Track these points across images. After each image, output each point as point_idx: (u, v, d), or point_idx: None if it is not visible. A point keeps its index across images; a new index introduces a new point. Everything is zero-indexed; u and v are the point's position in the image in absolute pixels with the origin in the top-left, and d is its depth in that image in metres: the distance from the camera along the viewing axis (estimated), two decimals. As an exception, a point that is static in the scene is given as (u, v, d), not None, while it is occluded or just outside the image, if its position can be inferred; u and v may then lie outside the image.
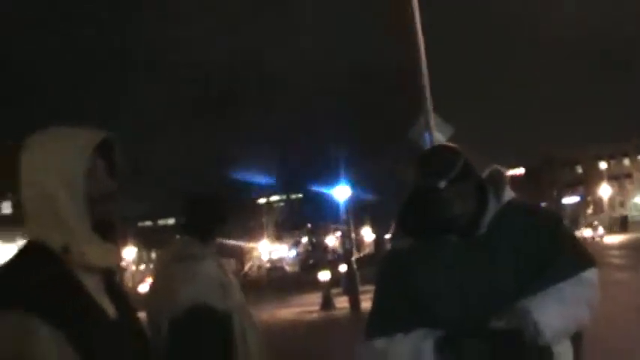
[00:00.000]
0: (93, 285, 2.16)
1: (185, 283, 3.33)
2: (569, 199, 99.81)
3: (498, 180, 2.96)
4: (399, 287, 2.91)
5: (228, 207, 3.71)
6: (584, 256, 2.91)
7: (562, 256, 2.85)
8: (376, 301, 3.05)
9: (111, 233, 2.24)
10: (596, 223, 69.40)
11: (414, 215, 2.93)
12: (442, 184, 2.73)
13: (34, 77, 19.09)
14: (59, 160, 2.14)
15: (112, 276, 2.29)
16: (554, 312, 2.70)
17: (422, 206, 2.85)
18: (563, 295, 2.75)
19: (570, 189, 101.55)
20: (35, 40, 18.03)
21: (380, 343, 2.88)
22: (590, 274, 2.85)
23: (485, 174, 2.97)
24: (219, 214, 3.62)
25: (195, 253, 3.47)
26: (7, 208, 39.50)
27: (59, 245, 2.11)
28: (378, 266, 3.15)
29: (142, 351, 2.26)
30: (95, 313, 2.12)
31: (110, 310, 2.18)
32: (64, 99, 20.07)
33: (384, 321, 2.92)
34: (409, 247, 2.94)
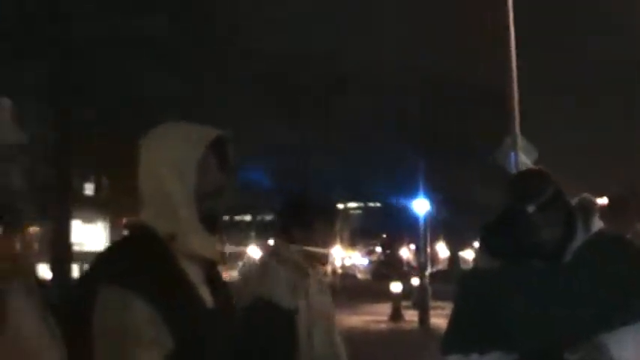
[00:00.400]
0: (194, 273, 2.26)
1: (261, 279, 3.43)
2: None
3: (588, 209, 2.96)
4: (480, 307, 2.91)
5: (317, 211, 3.71)
6: None
7: (637, 296, 2.80)
8: (454, 318, 3.05)
9: (216, 226, 2.34)
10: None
11: (500, 237, 2.93)
12: (531, 209, 2.73)
13: (119, 66, 19.46)
14: (174, 153, 2.25)
15: (214, 267, 2.37)
16: (633, 349, 2.67)
17: (509, 229, 2.85)
18: None
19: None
20: (120, 29, 18.53)
21: (455, 359, 2.89)
22: None
23: (574, 201, 2.96)
24: (300, 218, 3.61)
25: (279, 253, 3.54)
26: (89, 189, 40.36)
27: (166, 232, 2.23)
28: (459, 283, 3.16)
29: (232, 341, 2.35)
30: (193, 300, 2.21)
31: (208, 299, 2.27)
32: (154, 87, 20.34)
33: (461, 338, 2.92)
34: (493, 269, 2.94)
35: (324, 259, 3.68)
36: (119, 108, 20.05)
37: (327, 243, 3.66)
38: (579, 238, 2.86)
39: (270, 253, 3.62)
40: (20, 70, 19.23)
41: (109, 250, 2.36)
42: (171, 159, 2.25)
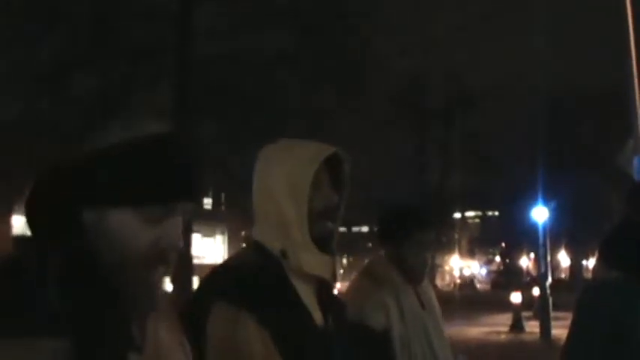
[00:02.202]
0: (305, 292, 2.27)
1: (351, 298, 3.33)
2: None
3: None
4: (600, 322, 2.82)
5: (421, 221, 3.61)
6: None
7: None
8: (574, 332, 2.96)
9: (329, 245, 2.34)
10: None
11: (621, 249, 2.83)
12: None
13: (243, 81, 19.87)
14: (288, 170, 2.27)
15: (327, 287, 2.36)
16: None
17: (630, 241, 2.75)
18: None
19: None
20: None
21: None
22: None
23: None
24: (401, 232, 3.50)
25: (372, 271, 3.50)
26: (208, 204, 41.32)
27: (278, 249, 2.25)
28: (580, 296, 3.06)
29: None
30: (302, 319, 2.22)
31: (318, 318, 2.27)
32: (277, 103, 20.72)
33: (582, 353, 2.83)
34: (614, 282, 2.84)
35: (420, 274, 3.57)
36: (243, 124, 20.44)
37: (425, 255, 3.56)
38: None
39: (364, 271, 3.56)
40: (144, 92, 19.88)
41: (222, 265, 2.39)
42: (285, 177, 2.27)
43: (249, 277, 2.20)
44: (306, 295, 2.27)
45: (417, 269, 3.48)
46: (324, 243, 2.31)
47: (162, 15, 19.87)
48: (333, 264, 2.32)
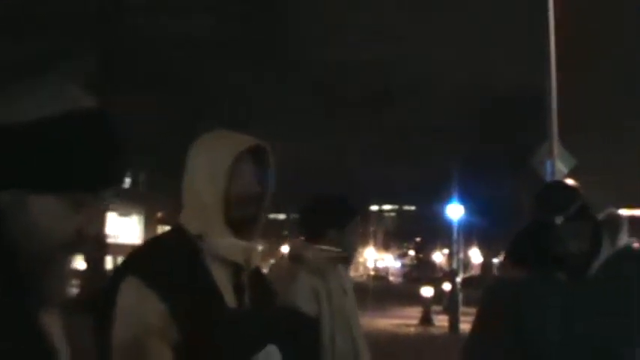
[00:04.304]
0: (220, 276, 2.34)
1: (283, 284, 3.37)
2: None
3: (615, 223, 2.94)
4: (504, 317, 2.93)
5: (346, 213, 3.70)
6: None
7: None
8: (478, 326, 3.07)
9: (247, 232, 2.42)
10: None
11: (527, 248, 2.94)
12: (559, 220, 2.74)
13: (168, 63, 19.67)
14: (209, 159, 2.38)
15: (243, 272, 2.41)
16: None
17: (536, 240, 2.86)
18: None
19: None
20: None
21: None
22: None
23: (602, 216, 2.96)
24: (336, 219, 3.61)
25: (299, 256, 3.53)
26: (126, 183, 40.81)
27: (196, 232, 2.34)
28: (485, 292, 3.17)
29: (253, 345, 2.37)
30: (212, 300, 2.29)
31: (230, 300, 2.33)
32: (198, 86, 20.56)
33: (484, 347, 2.94)
34: (518, 280, 2.95)
35: (347, 261, 3.67)
36: (168, 105, 20.27)
37: (348, 244, 3.65)
38: (605, 253, 2.86)
39: (292, 256, 3.59)
40: (68, 64, 19.48)
41: (141, 245, 2.51)
42: (207, 164, 2.37)
43: (161, 256, 2.29)
44: (221, 278, 2.34)
45: (351, 254, 3.59)
46: (244, 229, 2.40)
47: None
48: (248, 250, 2.39)
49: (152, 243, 2.50)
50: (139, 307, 2.17)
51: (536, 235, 2.86)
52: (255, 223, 2.46)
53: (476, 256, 68.24)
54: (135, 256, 2.38)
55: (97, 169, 1.39)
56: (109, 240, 20.33)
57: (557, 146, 13.77)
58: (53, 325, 1.50)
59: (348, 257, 3.65)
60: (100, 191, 1.42)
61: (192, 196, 2.40)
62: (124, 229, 41.63)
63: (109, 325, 2.18)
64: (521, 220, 3.03)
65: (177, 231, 2.40)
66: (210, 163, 2.37)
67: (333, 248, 3.53)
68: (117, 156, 1.43)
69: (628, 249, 2.91)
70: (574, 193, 2.82)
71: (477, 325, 3.09)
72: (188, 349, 2.19)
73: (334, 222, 3.59)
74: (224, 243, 2.35)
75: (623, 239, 2.92)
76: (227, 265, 2.36)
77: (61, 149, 1.34)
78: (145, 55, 20.15)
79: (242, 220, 2.41)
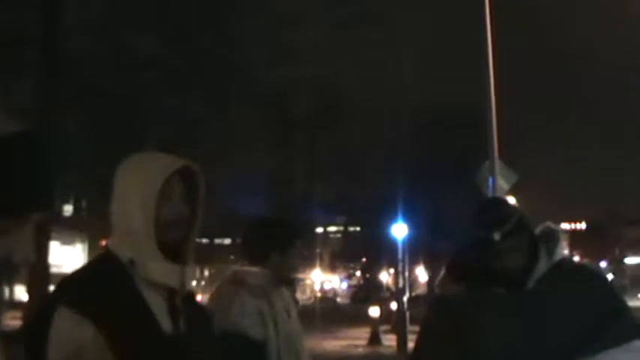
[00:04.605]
0: (154, 300, 2.30)
1: (228, 308, 3.39)
2: (632, 260, 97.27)
3: (551, 237, 3.00)
4: (446, 334, 2.96)
5: (290, 236, 3.71)
6: (634, 323, 2.90)
7: (614, 320, 2.85)
8: (420, 343, 3.11)
9: (179, 255, 2.39)
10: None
11: (466, 264, 2.99)
12: (496, 237, 2.80)
13: (109, 86, 19.54)
14: (138, 181, 2.34)
15: (177, 296, 2.38)
16: None
17: (474, 256, 2.91)
18: None
19: (634, 249, 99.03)
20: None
21: None
22: None
23: (538, 230, 3.02)
24: (279, 242, 3.61)
25: (243, 279, 3.52)
26: (68, 211, 40.19)
27: (127, 258, 2.30)
28: (427, 310, 3.21)
29: None
30: (146, 326, 2.25)
31: (166, 326, 2.30)
32: (143, 109, 20.45)
33: None
34: (458, 296, 3.00)
35: (290, 282, 3.68)
36: (107, 127, 20.02)
37: (292, 268, 3.67)
38: (542, 266, 2.91)
39: (235, 280, 3.57)
40: (4, 85, 19.17)
41: (70, 274, 2.42)
42: (135, 188, 2.33)
43: (92, 284, 2.24)
44: (155, 303, 2.31)
45: (291, 277, 3.60)
46: (175, 253, 2.37)
47: (29, 3, 19.24)
48: (182, 273, 2.36)
49: (82, 271, 2.41)
50: (73, 338, 2.13)
51: (475, 250, 2.91)
52: (186, 246, 2.43)
53: (422, 274, 68.55)
54: (65, 286, 2.32)
55: (17, 195, 1.35)
56: (52, 269, 19.96)
57: (498, 163, 13.99)
58: None
59: (290, 280, 3.66)
60: (23, 216, 1.39)
61: (122, 220, 2.35)
62: (68, 258, 40.99)
63: (42, 357, 2.13)
64: (466, 237, 3.08)
65: (107, 257, 2.35)
66: (140, 186, 2.33)
67: (280, 272, 3.53)
68: (39, 180, 1.39)
69: (564, 262, 2.98)
70: (511, 209, 2.88)
71: (420, 341, 3.12)
72: None
73: (277, 245, 3.58)
74: (156, 267, 2.31)
75: (560, 252, 2.98)
76: (160, 290, 2.33)
77: None
78: (84, 77, 19.93)
79: (173, 243, 2.38)
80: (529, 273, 2.89)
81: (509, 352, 2.82)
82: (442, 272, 3.12)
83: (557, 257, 2.96)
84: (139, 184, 2.33)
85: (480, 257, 2.88)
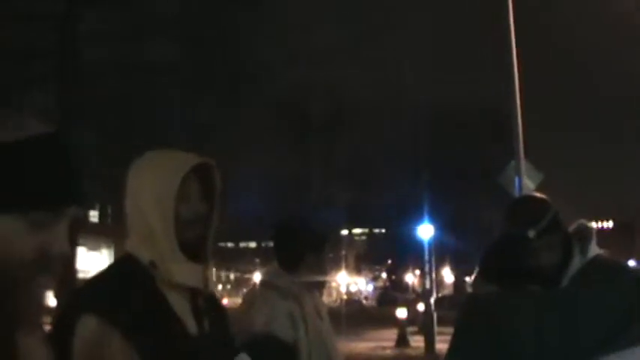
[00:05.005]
0: (177, 302, 2.26)
1: (258, 311, 3.39)
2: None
3: (585, 234, 2.97)
4: (480, 333, 2.93)
5: (320, 239, 3.70)
6: None
7: None
8: (455, 344, 3.07)
9: (199, 254, 2.34)
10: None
11: (499, 262, 2.96)
12: (531, 234, 2.77)
13: (128, 91, 19.69)
14: (154, 180, 2.27)
15: (202, 295, 2.35)
16: None
17: (508, 254, 2.89)
18: None
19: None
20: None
21: None
22: None
23: (572, 228, 2.99)
24: (313, 244, 3.59)
25: (274, 282, 3.51)
26: (94, 217, 40.47)
27: (147, 260, 2.25)
28: (460, 309, 3.18)
29: None
30: (172, 330, 2.21)
31: (192, 328, 2.26)
32: (164, 113, 20.55)
33: None
34: (492, 295, 2.97)
35: (321, 285, 3.67)
36: (126, 134, 20.15)
37: (325, 269, 3.65)
38: (576, 264, 2.89)
39: (266, 283, 3.57)
40: (25, 94, 19.35)
41: (91, 279, 2.38)
42: (151, 188, 2.27)
43: (116, 289, 2.19)
44: (178, 304, 2.27)
45: (317, 281, 3.58)
46: (194, 252, 2.32)
47: (46, 16, 19.40)
48: (203, 272, 2.32)
49: (103, 276, 2.34)
50: (103, 350, 2.08)
51: (508, 249, 2.89)
52: (204, 244, 2.38)
53: (448, 275, 68.36)
54: (87, 292, 2.29)
55: (51, 186, 1.41)
56: (80, 275, 20.11)
57: (524, 163, 13.94)
58: (36, 347, 1.51)
59: (323, 282, 3.65)
60: (58, 210, 1.44)
61: (139, 221, 2.30)
62: (94, 263, 41.27)
63: None
64: (491, 238, 3.05)
65: (128, 260, 2.30)
66: (156, 185, 2.27)
67: (309, 275, 3.52)
68: (70, 174, 1.45)
69: (598, 259, 2.95)
70: (545, 206, 2.85)
71: (454, 341, 3.10)
72: None
73: (311, 248, 3.57)
74: (178, 268, 2.26)
75: (593, 250, 2.95)
76: (183, 291, 2.28)
77: (9, 170, 1.37)
78: (104, 83, 20.08)
79: (192, 243, 2.32)
80: (563, 270, 2.87)
81: (544, 351, 2.80)
82: (475, 271, 3.09)
83: (590, 254, 2.93)
84: (155, 183, 2.27)
85: (514, 255, 2.85)
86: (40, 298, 1.48)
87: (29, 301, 1.44)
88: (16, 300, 1.41)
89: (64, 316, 2.14)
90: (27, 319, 1.47)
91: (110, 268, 2.39)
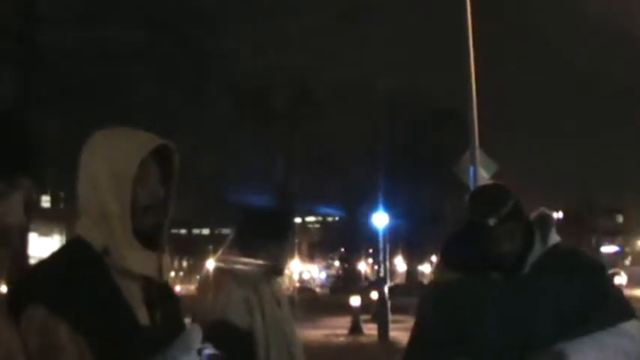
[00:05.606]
0: (129, 290, 2.14)
1: (213, 297, 3.36)
2: (608, 248, 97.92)
3: (545, 222, 3.00)
4: (442, 320, 2.95)
5: (286, 226, 3.69)
6: (625, 307, 2.91)
7: (603, 304, 2.86)
8: (417, 331, 3.08)
9: (155, 241, 2.23)
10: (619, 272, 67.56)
11: (461, 250, 2.98)
12: (492, 222, 2.78)
13: (87, 76, 19.49)
14: (112, 159, 2.14)
15: (153, 285, 2.23)
16: (593, 358, 2.73)
17: (470, 242, 2.90)
18: (602, 344, 2.76)
19: (609, 238, 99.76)
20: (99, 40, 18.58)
21: None
22: (631, 326, 2.84)
23: (533, 215, 3.02)
24: (277, 232, 3.56)
25: (230, 269, 3.46)
26: (46, 202, 40.04)
27: (100, 245, 2.12)
28: (422, 298, 3.20)
29: None
30: (125, 320, 2.11)
31: (143, 317, 2.16)
32: (123, 97, 20.38)
33: (424, 351, 2.95)
34: (454, 282, 2.99)
35: (279, 272, 3.65)
36: (89, 120, 19.96)
37: (285, 257, 3.63)
38: (537, 251, 2.91)
39: (221, 269, 3.51)
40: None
41: (41, 263, 2.23)
42: (108, 168, 2.14)
43: (64, 277, 2.05)
44: (130, 293, 2.15)
45: (283, 266, 3.57)
46: (150, 239, 2.21)
47: None
48: (159, 260, 2.22)
49: (52, 261, 2.18)
50: (51, 343, 1.96)
51: (470, 236, 2.91)
52: (160, 231, 2.26)
53: (401, 264, 68.83)
54: (35, 279, 2.12)
55: (4, 157, 1.47)
56: (32, 261, 19.86)
57: (478, 153, 14.04)
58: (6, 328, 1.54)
59: (281, 269, 3.64)
60: (12, 180, 1.47)
61: (93, 202, 2.14)
62: (46, 249, 40.78)
63: None
64: (443, 227, 3.07)
65: (79, 244, 2.15)
66: (113, 165, 2.13)
67: (266, 261, 3.51)
68: (22, 147, 1.51)
69: (558, 247, 2.98)
70: (506, 194, 2.86)
71: (416, 330, 3.10)
72: None
73: (274, 235, 3.54)
74: (133, 256, 2.14)
75: (553, 238, 2.99)
76: (136, 280, 2.16)
77: None
78: (61, 69, 19.83)
79: (148, 229, 2.20)
80: (524, 258, 2.89)
81: (506, 339, 2.83)
82: (437, 259, 3.10)
83: (551, 242, 2.96)
84: (112, 163, 2.13)
85: (476, 242, 2.88)
86: (1, 270, 1.49)
87: None
88: None
89: (11, 303, 1.99)
90: None
91: (60, 252, 2.23)
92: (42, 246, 37.70)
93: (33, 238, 26.22)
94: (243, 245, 3.54)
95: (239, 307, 3.33)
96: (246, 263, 3.47)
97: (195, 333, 2.12)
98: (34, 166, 1.53)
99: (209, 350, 2.08)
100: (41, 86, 19.11)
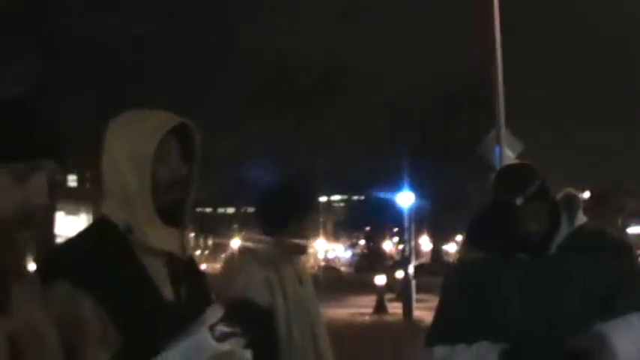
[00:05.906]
0: (153, 267, 2.18)
1: (234, 277, 3.38)
2: (635, 229, 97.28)
3: (572, 203, 2.97)
4: (467, 299, 2.93)
5: (308, 202, 3.67)
6: None
7: (632, 285, 2.84)
8: (441, 310, 3.07)
9: (177, 219, 2.27)
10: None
11: (487, 229, 2.96)
12: (519, 201, 2.76)
13: (110, 63, 19.60)
14: (132, 139, 2.19)
15: (177, 262, 2.27)
16: (630, 339, 2.69)
17: (496, 221, 2.87)
18: (636, 326, 2.75)
19: (637, 219, 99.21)
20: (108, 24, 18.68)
21: (441, 350, 2.91)
22: None
23: (559, 196, 2.99)
24: (298, 208, 3.54)
25: (252, 248, 3.49)
26: (72, 181, 40.34)
27: (123, 223, 2.17)
28: (447, 275, 3.19)
29: None
30: (149, 295, 2.14)
31: (168, 293, 2.20)
32: (145, 84, 20.44)
33: (448, 330, 2.94)
34: (479, 261, 2.97)
35: (302, 250, 3.63)
36: (108, 104, 20.10)
37: (307, 235, 3.61)
38: (564, 232, 2.88)
39: (243, 249, 3.54)
40: (7, 66, 19.21)
41: (67, 241, 2.29)
42: (128, 149, 2.18)
43: (90, 253, 2.12)
44: (154, 269, 2.19)
45: (305, 244, 3.55)
46: (172, 216, 2.24)
47: None
48: (181, 237, 2.26)
49: (78, 239, 2.26)
50: (75, 315, 2.00)
51: (496, 216, 2.88)
52: (183, 208, 2.30)
53: (426, 243, 68.71)
54: (61, 256, 2.21)
55: (29, 139, 1.51)
56: (59, 240, 20.07)
57: (504, 132, 13.96)
58: (26, 295, 1.58)
59: (303, 247, 3.62)
60: (35, 162, 1.51)
61: (116, 182, 2.20)
62: (73, 228, 41.14)
63: None
64: (468, 207, 3.05)
65: (103, 222, 2.22)
66: (133, 147, 2.17)
67: (289, 239, 3.50)
68: (45, 129, 1.55)
69: (585, 227, 2.96)
70: (533, 173, 2.84)
71: (441, 309, 3.09)
72: (128, 352, 2.04)
73: (295, 212, 3.52)
74: (155, 232, 2.18)
75: (580, 218, 2.96)
76: (160, 256, 2.20)
77: None
78: (86, 54, 19.96)
79: (171, 206, 2.24)
80: (551, 238, 2.87)
81: (531, 319, 2.81)
82: (462, 238, 3.08)
83: (577, 223, 2.94)
84: (132, 142, 2.18)
85: (502, 222, 2.85)
86: (25, 250, 1.54)
87: (17, 253, 1.51)
88: (5, 252, 1.47)
89: (38, 279, 2.02)
90: (16, 271, 1.53)
91: (85, 230, 2.31)
92: (69, 225, 38.09)
93: (60, 216, 26.49)
94: (265, 223, 3.54)
95: (260, 286, 3.34)
96: (267, 242, 3.48)
97: (212, 310, 2.13)
98: (55, 148, 1.56)
99: (223, 328, 2.06)
100: (59, 70, 19.27)
